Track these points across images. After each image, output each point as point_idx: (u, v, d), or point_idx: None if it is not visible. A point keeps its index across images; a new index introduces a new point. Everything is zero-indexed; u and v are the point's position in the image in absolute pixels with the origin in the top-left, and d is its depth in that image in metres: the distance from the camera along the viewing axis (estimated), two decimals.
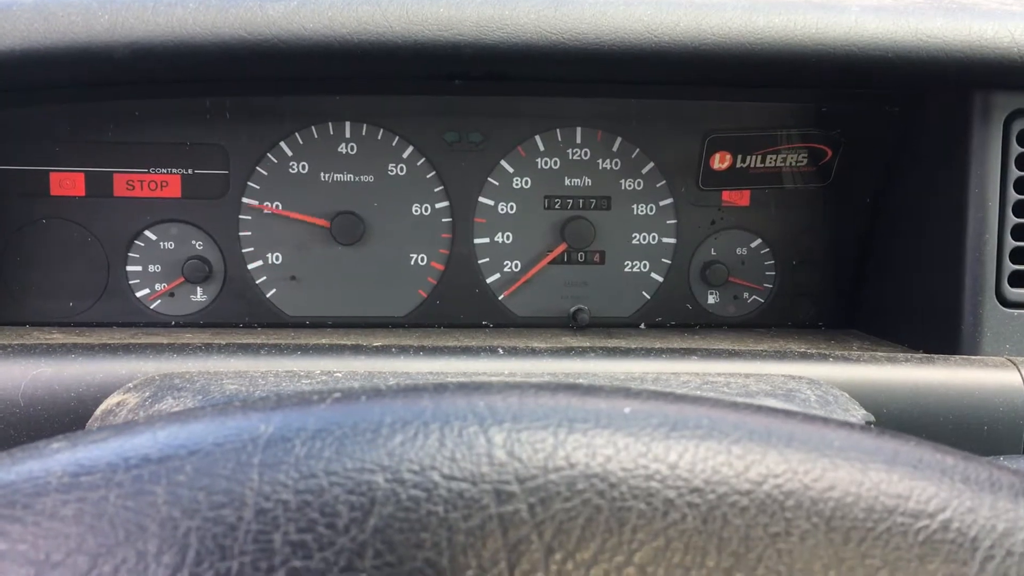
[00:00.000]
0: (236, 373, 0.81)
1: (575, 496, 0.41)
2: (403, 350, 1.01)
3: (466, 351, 1.03)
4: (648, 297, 1.35)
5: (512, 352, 1.03)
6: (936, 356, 1.10)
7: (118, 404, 0.76)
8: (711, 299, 1.37)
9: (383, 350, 1.01)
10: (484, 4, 0.98)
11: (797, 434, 0.44)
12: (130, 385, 0.80)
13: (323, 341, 1.06)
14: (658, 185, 1.33)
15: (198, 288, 1.29)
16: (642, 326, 1.35)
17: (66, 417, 0.92)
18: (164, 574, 0.38)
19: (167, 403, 0.71)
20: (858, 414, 0.80)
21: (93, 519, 0.39)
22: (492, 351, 1.02)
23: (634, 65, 1.03)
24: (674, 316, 1.36)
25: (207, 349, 0.98)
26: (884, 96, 1.23)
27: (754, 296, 1.37)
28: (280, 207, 1.28)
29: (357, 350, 1.00)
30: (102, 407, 0.78)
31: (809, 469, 0.42)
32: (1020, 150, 1.10)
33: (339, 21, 0.97)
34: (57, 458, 0.42)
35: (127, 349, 0.97)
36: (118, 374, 0.93)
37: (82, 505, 0.39)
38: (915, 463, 0.44)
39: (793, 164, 1.32)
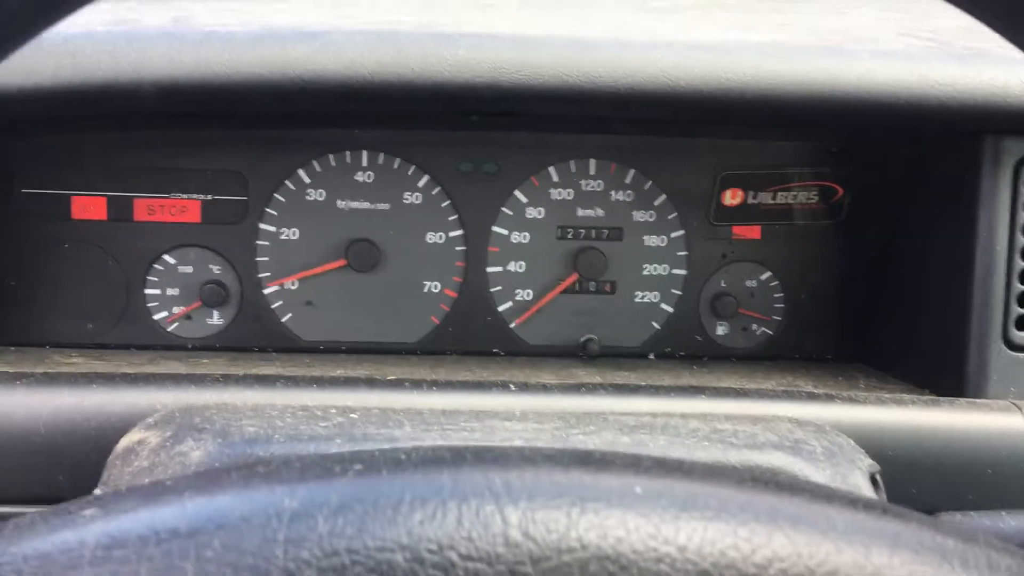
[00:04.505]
0: (254, 411, 0.82)
1: None
2: (416, 385, 1.02)
3: (478, 386, 1.05)
4: (658, 327, 1.37)
5: (523, 388, 1.04)
6: (941, 399, 1.11)
7: (139, 443, 0.77)
8: (720, 330, 1.38)
9: (396, 384, 1.02)
10: (502, 46, 1.00)
11: (803, 516, 0.46)
12: (150, 421, 0.82)
13: (338, 373, 1.08)
14: (670, 217, 1.34)
15: (215, 312, 1.31)
16: (651, 356, 1.36)
17: (87, 446, 0.94)
18: None
19: (187, 444, 0.73)
20: (864, 464, 0.81)
21: None
22: (504, 387, 1.04)
23: (649, 107, 1.05)
24: (683, 347, 1.38)
25: (225, 380, 1.00)
26: (895, 138, 1.24)
27: (763, 328, 1.38)
28: (297, 234, 1.30)
29: (371, 384, 1.02)
30: (122, 443, 0.80)
31: (814, 553, 0.44)
32: None
33: (359, 62, 0.98)
34: (91, 528, 0.44)
35: (147, 380, 0.99)
36: (138, 405, 0.95)
37: None
38: (916, 547, 0.46)
39: (804, 201, 1.33)
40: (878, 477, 0.83)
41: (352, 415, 0.81)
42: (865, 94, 1.04)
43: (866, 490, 0.78)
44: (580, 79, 1.01)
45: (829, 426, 0.94)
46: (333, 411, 0.82)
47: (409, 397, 1.00)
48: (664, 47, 1.03)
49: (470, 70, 0.99)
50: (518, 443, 0.72)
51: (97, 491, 0.77)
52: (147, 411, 0.92)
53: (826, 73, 1.03)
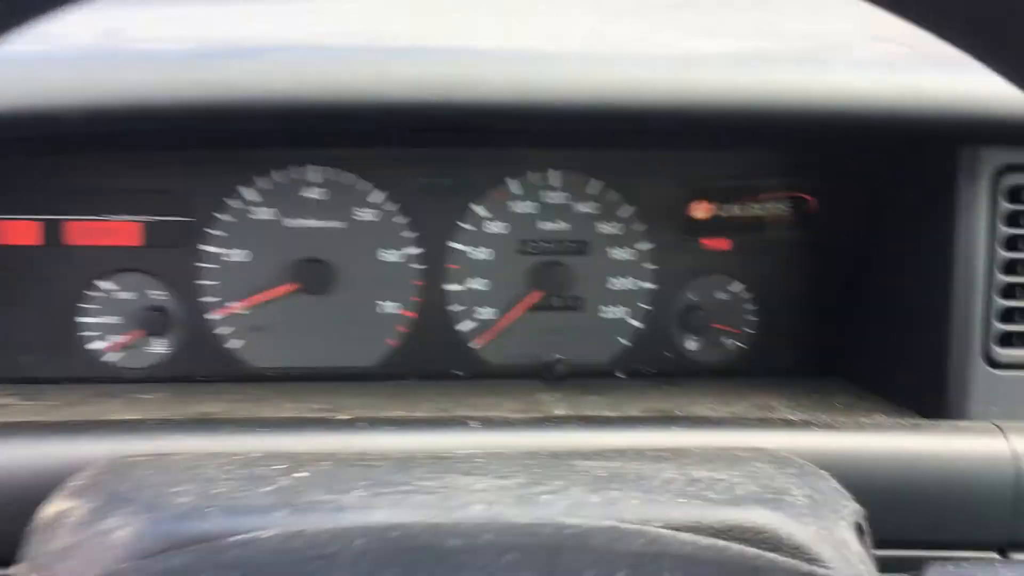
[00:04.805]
0: (189, 472, 0.76)
1: None
2: (371, 424, 0.96)
3: (438, 424, 0.99)
4: (626, 343, 1.31)
5: (486, 424, 0.98)
6: (922, 421, 1.07)
7: (62, 513, 0.71)
8: (691, 345, 1.33)
9: (350, 424, 0.96)
10: (455, 64, 0.94)
11: None
12: (75, 486, 0.75)
13: (287, 412, 1.01)
14: (637, 229, 1.29)
15: (156, 340, 1.23)
16: (620, 375, 1.31)
17: (12, 504, 0.86)
18: None
19: (113, 520, 0.66)
20: (847, 512, 0.76)
21: None
22: (464, 425, 0.98)
23: (611, 122, 0.99)
24: (653, 363, 1.32)
25: (162, 426, 0.93)
26: (869, 147, 1.20)
27: (735, 342, 1.33)
28: (244, 255, 1.23)
29: (323, 425, 0.96)
30: (46, 512, 0.73)
31: None
32: (1008, 207, 1.07)
33: (305, 81, 0.91)
34: None
35: (78, 428, 0.92)
36: (68, 458, 0.88)
37: None
38: None
39: (775, 212, 1.28)
40: (863, 523, 0.78)
41: (298, 475, 0.74)
42: (839, 106, 0.98)
43: (851, 542, 0.73)
44: (537, 96, 0.95)
45: (809, 462, 0.88)
46: (277, 470, 0.76)
47: (364, 438, 0.94)
48: (627, 60, 0.97)
49: (423, 88, 0.93)
50: (478, 509, 0.66)
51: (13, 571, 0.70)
52: (77, 465, 0.85)
53: (798, 85, 0.98)
